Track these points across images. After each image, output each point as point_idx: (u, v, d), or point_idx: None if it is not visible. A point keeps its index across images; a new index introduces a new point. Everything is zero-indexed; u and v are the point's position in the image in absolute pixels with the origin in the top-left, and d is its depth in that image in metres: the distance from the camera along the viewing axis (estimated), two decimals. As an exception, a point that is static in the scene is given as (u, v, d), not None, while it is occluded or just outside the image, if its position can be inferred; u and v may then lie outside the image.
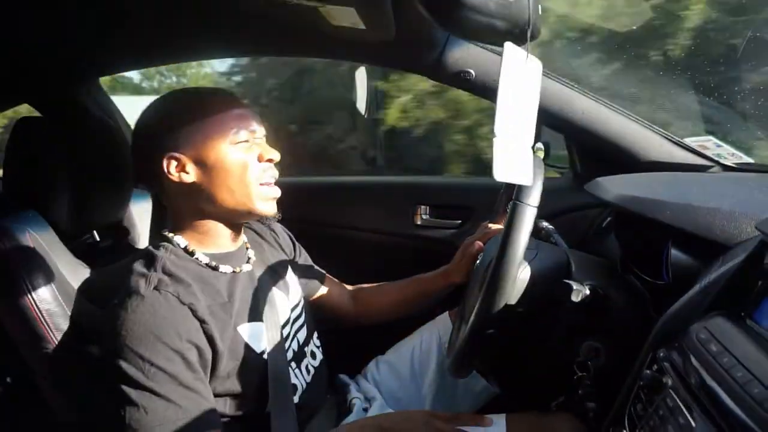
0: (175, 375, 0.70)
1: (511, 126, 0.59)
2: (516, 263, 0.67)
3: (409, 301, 1.14)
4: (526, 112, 0.62)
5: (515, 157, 0.61)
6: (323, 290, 1.13)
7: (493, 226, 1.05)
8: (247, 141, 0.82)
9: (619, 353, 0.79)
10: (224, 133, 0.80)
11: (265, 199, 0.84)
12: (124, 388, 0.70)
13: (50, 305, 0.85)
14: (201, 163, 0.81)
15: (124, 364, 0.70)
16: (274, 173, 0.86)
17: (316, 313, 1.08)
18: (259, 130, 0.85)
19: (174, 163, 0.80)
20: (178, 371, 0.71)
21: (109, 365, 0.71)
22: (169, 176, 0.81)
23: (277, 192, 0.86)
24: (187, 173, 0.81)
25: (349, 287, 1.18)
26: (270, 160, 0.84)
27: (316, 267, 1.13)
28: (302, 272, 1.09)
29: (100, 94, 1.39)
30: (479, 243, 1.01)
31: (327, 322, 1.12)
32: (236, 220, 0.87)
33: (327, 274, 1.15)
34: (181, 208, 0.85)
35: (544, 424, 0.89)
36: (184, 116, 0.81)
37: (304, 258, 1.11)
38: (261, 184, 0.83)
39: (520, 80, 0.60)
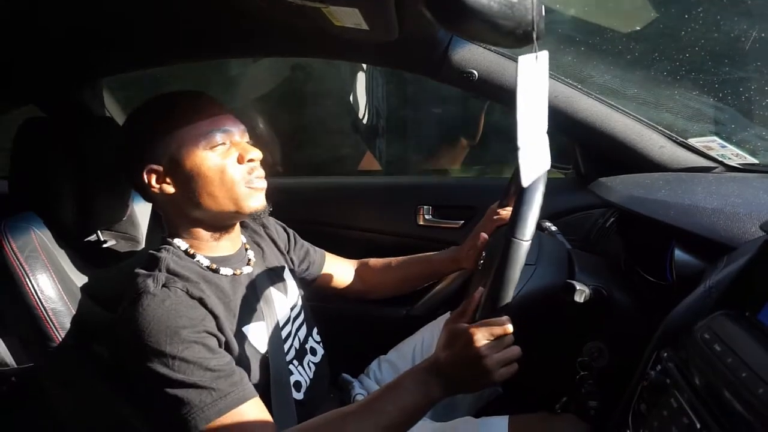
0: (199, 361, 0.71)
1: (530, 130, 0.61)
2: (508, 297, 0.68)
3: (414, 279, 1.16)
4: (540, 104, 0.63)
5: (534, 153, 0.62)
6: (327, 269, 1.14)
7: (502, 212, 1.04)
8: (223, 144, 0.81)
9: (623, 353, 0.79)
10: (197, 139, 0.79)
11: (250, 197, 0.83)
12: (157, 388, 0.70)
13: (55, 304, 0.85)
14: (179, 173, 0.80)
15: (150, 366, 0.70)
16: (259, 172, 0.84)
17: (323, 292, 1.10)
18: (237, 130, 0.83)
19: (154, 175, 0.80)
20: (201, 356, 0.72)
21: (136, 370, 0.72)
22: (152, 188, 0.81)
23: (263, 184, 0.84)
24: (168, 184, 0.81)
25: (354, 262, 1.19)
26: (251, 160, 0.83)
27: (315, 248, 1.14)
28: (302, 258, 1.09)
29: (104, 94, 1.40)
30: (484, 236, 1.01)
31: (335, 298, 1.14)
32: (226, 222, 0.86)
33: (327, 253, 1.16)
34: (173, 216, 0.85)
35: (548, 427, 0.89)
36: (157, 127, 0.80)
37: (300, 245, 1.11)
38: (245, 185, 0.82)
39: (534, 84, 0.61)
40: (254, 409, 0.73)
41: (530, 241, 0.66)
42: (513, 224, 0.66)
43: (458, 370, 0.70)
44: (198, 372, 0.71)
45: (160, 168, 0.80)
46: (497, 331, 0.68)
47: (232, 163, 0.81)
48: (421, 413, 0.72)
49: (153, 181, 0.81)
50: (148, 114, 0.83)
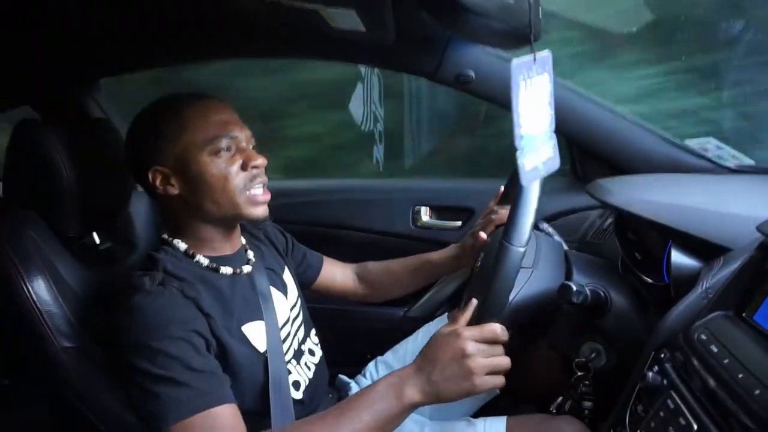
0: (182, 358, 0.71)
1: (529, 132, 0.61)
2: (503, 304, 0.68)
3: (414, 279, 1.16)
4: (542, 105, 0.63)
5: (535, 154, 0.63)
6: (325, 272, 1.14)
7: (501, 211, 1.04)
8: (228, 150, 0.81)
9: (620, 354, 0.79)
10: (203, 144, 0.79)
11: (252, 205, 0.83)
12: (138, 381, 0.71)
13: (50, 306, 0.85)
14: (183, 177, 0.80)
15: (134, 359, 0.71)
16: (263, 180, 0.84)
17: (322, 296, 1.10)
18: (243, 136, 0.83)
19: (159, 176, 0.81)
20: (185, 354, 0.72)
21: (123, 362, 0.72)
22: (157, 188, 0.82)
23: (266, 196, 0.85)
24: (173, 186, 0.81)
25: (354, 266, 1.19)
26: (256, 167, 0.82)
27: (312, 252, 1.14)
28: (299, 261, 1.09)
29: (100, 95, 1.39)
30: (483, 235, 1.01)
31: (336, 301, 1.14)
32: (228, 224, 0.87)
33: (326, 257, 1.16)
34: (175, 216, 0.86)
35: (546, 428, 0.88)
36: (164, 129, 0.80)
37: (297, 249, 1.11)
38: (248, 192, 0.82)
39: (533, 85, 0.61)
40: (228, 414, 0.73)
41: (526, 248, 0.66)
42: (508, 231, 0.66)
43: (440, 369, 0.69)
44: (178, 369, 0.71)
45: (166, 169, 0.81)
46: (488, 334, 0.68)
47: (235, 171, 0.81)
48: (398, 418, 0.71)
49: (158, 182, 0.82)
50: (157, 115, 0.83)
